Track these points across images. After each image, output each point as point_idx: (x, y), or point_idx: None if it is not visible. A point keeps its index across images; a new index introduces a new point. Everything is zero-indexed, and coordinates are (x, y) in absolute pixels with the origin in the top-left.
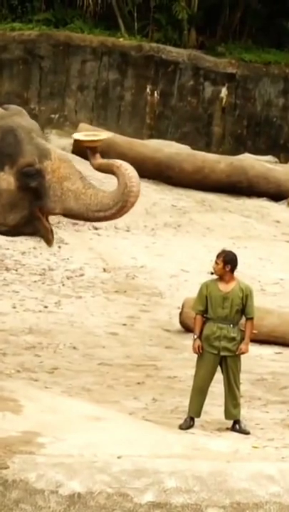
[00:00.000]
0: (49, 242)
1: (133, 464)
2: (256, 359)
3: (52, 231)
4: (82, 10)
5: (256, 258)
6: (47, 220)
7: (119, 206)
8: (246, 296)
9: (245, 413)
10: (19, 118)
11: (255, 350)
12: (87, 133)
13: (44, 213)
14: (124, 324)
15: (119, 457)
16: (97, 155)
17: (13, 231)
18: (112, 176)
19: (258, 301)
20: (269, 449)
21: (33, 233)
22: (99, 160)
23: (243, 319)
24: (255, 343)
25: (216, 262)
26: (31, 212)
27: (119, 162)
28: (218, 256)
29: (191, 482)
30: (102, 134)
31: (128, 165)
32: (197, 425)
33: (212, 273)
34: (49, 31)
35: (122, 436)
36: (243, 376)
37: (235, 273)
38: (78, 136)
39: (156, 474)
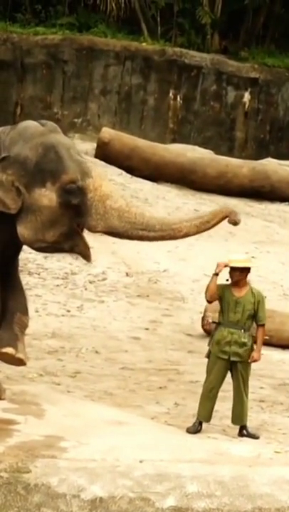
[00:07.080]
0: (88, 257)
1: (155, 469)
2: (278, 364)
3: (89, 247)
4: (106, 14)
5: (279, 263)
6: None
7: (164, 234)
8: (258, 302)
9: (267, 418)
10: (57, 135)
11: (277, 355)
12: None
13: (82, 230)
14: (147, 328)
15: (141, 461)
16: None
17: (52, 247)
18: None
19: (281, 306)
20: None
21: (71, 249)
22: None
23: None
24: (278, 347)
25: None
26: (70, 229)
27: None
28: None
29: (213, 487)
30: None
31: (210, 223)
32: (219, 430)
33: (227, 280)
34: (72, 35)
35: (144, 440)
36: (265, 381)
37: (259, 278)
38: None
39: (178, 479)
